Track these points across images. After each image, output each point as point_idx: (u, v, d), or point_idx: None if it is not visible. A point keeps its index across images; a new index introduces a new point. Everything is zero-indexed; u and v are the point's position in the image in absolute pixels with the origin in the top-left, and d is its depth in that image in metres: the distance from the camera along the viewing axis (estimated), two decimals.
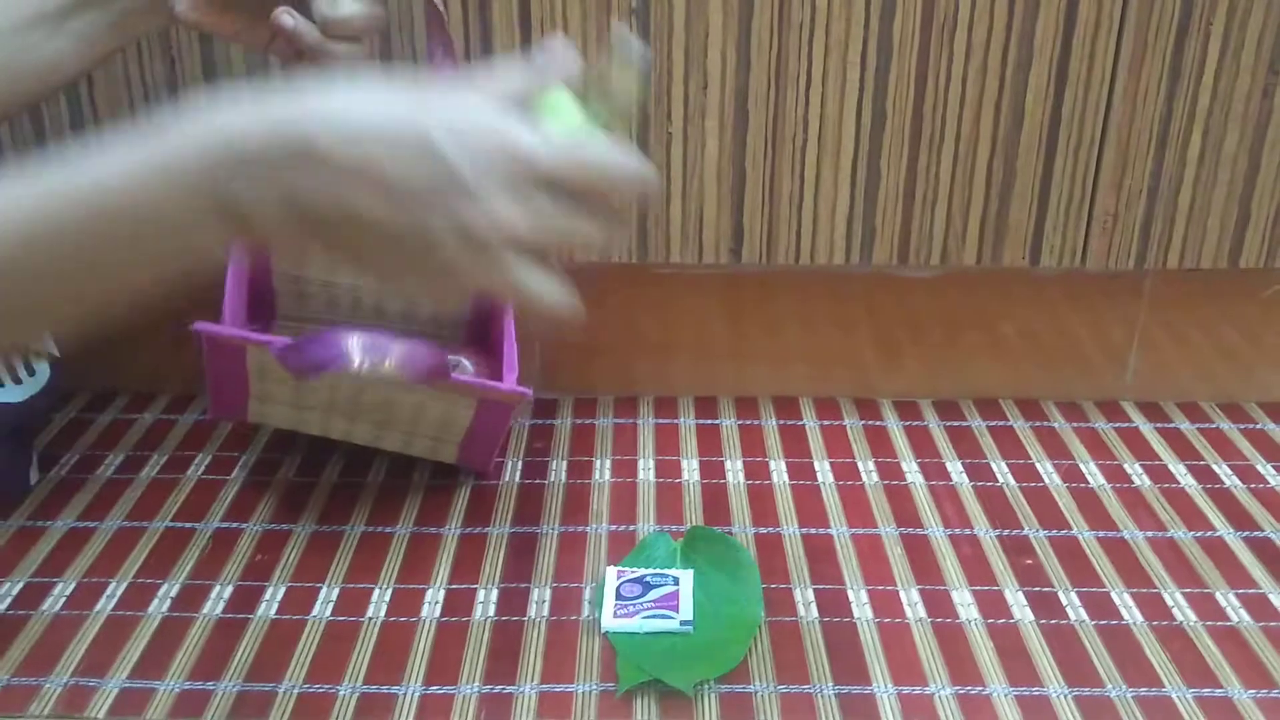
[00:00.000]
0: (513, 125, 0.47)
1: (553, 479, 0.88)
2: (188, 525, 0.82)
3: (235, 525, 0.82)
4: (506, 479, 0.88)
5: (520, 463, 0.90)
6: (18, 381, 0.86)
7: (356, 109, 0.47)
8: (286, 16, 0.68)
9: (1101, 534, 0.82)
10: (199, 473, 0.89)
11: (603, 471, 0.89)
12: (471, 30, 0.84)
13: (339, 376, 0.70)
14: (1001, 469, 0.90)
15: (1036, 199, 0.89)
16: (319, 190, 0.46)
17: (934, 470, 0.90)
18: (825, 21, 0.84)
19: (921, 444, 0.94)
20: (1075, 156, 0.87)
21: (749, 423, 0.97)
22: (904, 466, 0.90)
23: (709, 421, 0.97)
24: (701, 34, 0.84)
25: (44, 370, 0.88)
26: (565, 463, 0.91)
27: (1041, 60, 0.85)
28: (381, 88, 0.48)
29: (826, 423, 0.97)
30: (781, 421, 0.97)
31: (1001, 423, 0.97)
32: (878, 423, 0.97)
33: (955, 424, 0.97)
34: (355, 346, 0.68)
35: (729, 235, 0.90)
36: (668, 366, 0.99)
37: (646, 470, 0.90)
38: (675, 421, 0.97)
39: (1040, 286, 0.95)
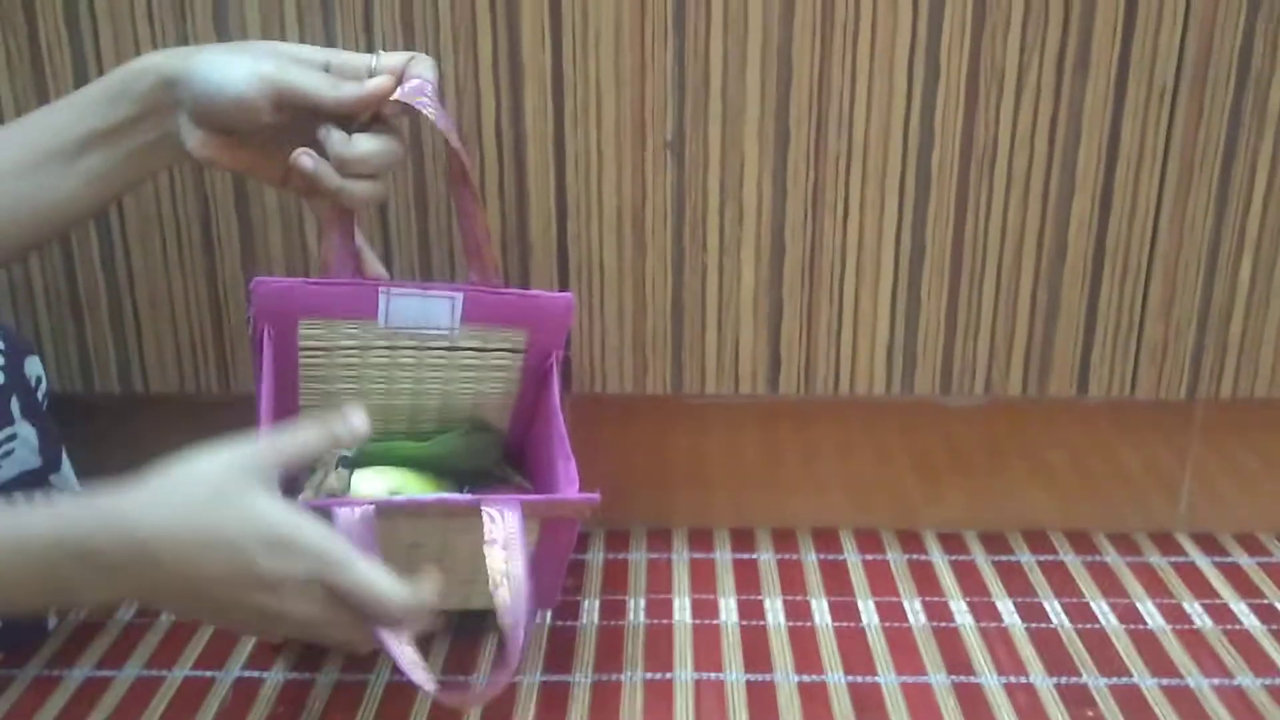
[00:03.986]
0: (314, 540, 0.60)
1: (585, 621, 0.85)
2: (207, 674, 0.79)
3: (256, 675, 0.79)
4: (535, 622, 0.85)
5: None
6: None
7: (187, 521, 0.58)
8: (305, 159, 0.67)
9: (1165, 681, 0.78)
10: None
11: (637, 612, 0.86)
12: (506, 173, 0.84)
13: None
14: (1055, 608, 0.86)
15: (1083, 329, 0.86)
16: (149, 586, 0.59)
17: (984, 610, 0.86)
18: (862, 151, 0.82)
19: (969, 580, 0.90)
20: (1122, 286, 0.85)
21: (788, 557, 0.93)
22: (952, 606, 0.87)
23: (746, 556, 0.94)
24: (737, 165, 0.83)
25: None
26: (598, 602, 0.87)
27: (1085, 189, 0.83)
28: (209, 490, 0.59)
29: (869, 557, 0.93)
30: (822, 556, 0.94)
31: (1051, 557, 0.93)
32: (922, 557, 0.93)
33: (1003, 558, 0.93)
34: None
35: (766, 365, 0.88)
36: (703, 498, 0.97)
37: (682, 610, 0.86)
38: (711, 556, 0.94)
39: (1088, 415, 0.92)
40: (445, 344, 0.77)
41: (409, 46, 0.81)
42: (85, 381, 0.89)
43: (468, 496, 0.70)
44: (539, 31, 0.80)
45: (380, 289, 0.74)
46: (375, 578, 0.60)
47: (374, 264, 0.78)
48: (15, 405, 0.76)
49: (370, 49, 0.80)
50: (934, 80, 0.81)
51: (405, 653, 0.62)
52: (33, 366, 0.81)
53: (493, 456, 0.85)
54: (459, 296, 0.75)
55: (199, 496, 0.59)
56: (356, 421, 0.64)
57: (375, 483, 0.77)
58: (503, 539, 0.65)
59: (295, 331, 0.74)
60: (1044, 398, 0.88)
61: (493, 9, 0.80)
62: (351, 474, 0.77)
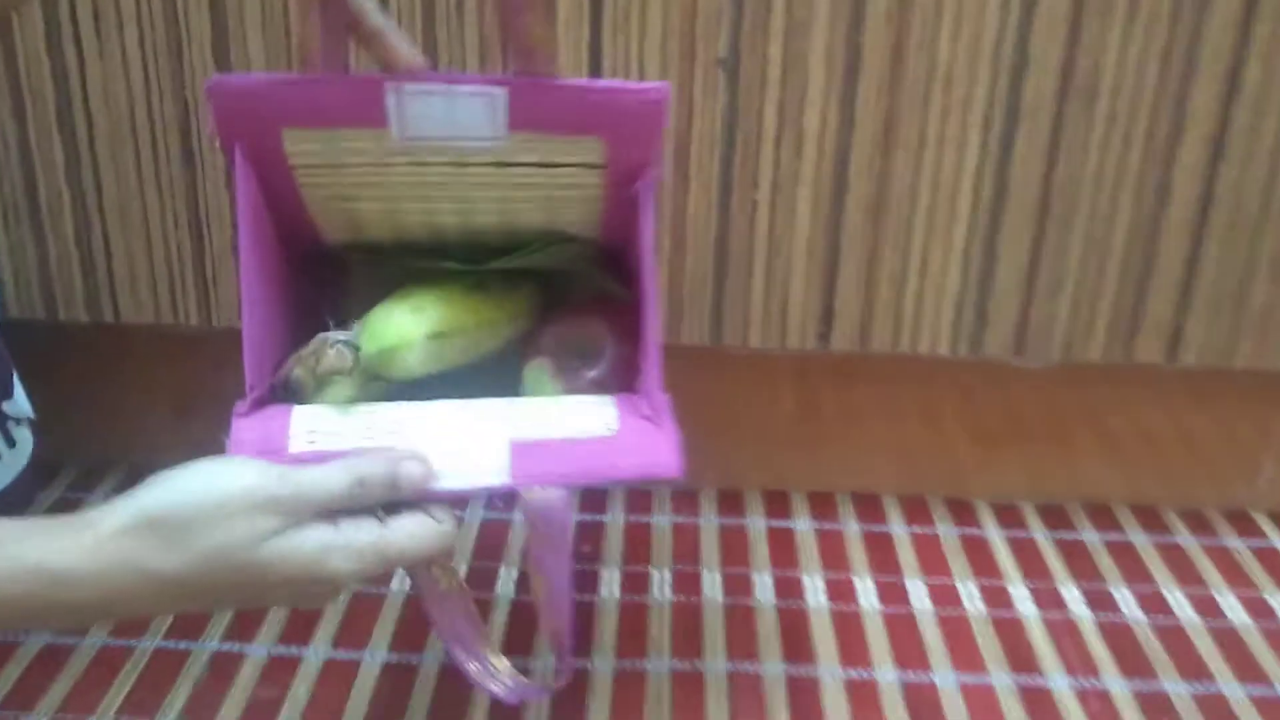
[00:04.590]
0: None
1: (604, 595, 0.76)
2: (183, 645, 0.70)
3: (237, 648, 0.70)
4: None
5: None
6: None
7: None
8: None
9: (1254, 690, 0.69)
10: None
11: (662, 587, 0.77)
12: None
13: None
14: (1125, 597, 0.78)
15: (1180, 288, 0.76)
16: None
17: (1047, 597, 0.77)
18: (945, 77, 0.71)
19: (1029, 561, 0.81)
20: (1229, 242, 0.75)
21: (827, 526, 0.85)
22: (1012, 591, 0.78)
23: (781, 523, 0.85)
24: (799, 89, 0.72)
25: (25, 440, 0.76)
26: (619, 573, 0.79)
27: (1196, 130, 0.72)
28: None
29: (917, 529, 0.85)
30: (865, 526, 0.85)
31: (1117, 535, 0.85)
32: (975, 531, 0.85)
33: (1065, 535, 0.84)
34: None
35: (817, 317, 0.78)
36: (732, 456, 0.87)
37: (713, 587, 0.77)
38: (742, 522, 0.85)
39: (1161, 380, 0.83)
40: (490, 159, 0.55)
41: None
42: (48, 308, 0.79)
43: (506, 485, 0.53)
44: None
45: (387, 85, 0.52)
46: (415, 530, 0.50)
47: (402, 49, 0.55)
48: None
49: None
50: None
51: (473, 670, 0.55)
52: None
53: (579, 259, 0.65)
54: (501, 92, 0.53)
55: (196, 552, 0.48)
56: (414, 468, 0.50)
57: (408, 322, 0.56)
58: (550, 537, 0.56)
59: (280, 149, 0.54)
60: (1129, 363, 0.78)
61: None
62: (360, 340, 0.55)
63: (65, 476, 0.87)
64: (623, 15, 0.71)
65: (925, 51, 0.71)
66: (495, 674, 0.57)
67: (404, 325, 0.55)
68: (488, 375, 0.61)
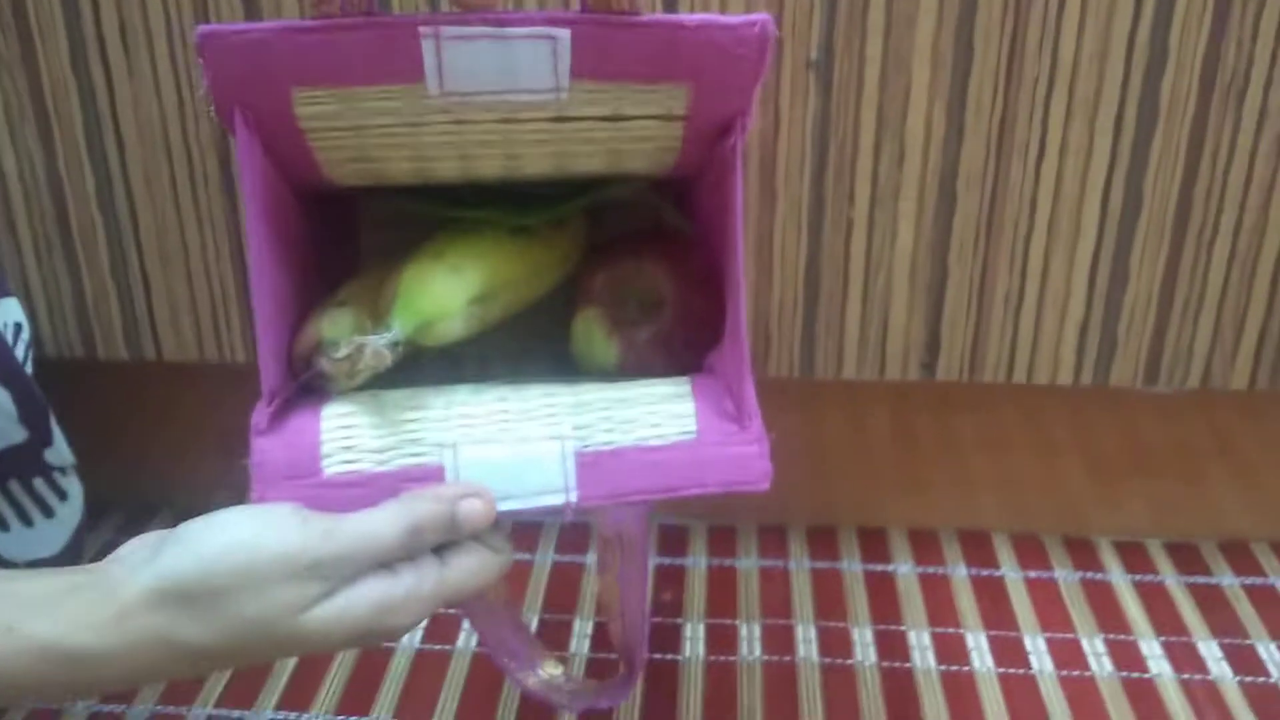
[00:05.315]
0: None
1: (689, 654, 0.69)
2: (234, 713, 0.65)
3: (237, 714, 0.64)
4: None
5: (646, 624, 0.71)
6: (48, 513, 0.69)
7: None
8: None
9: None
10: None
11: (752, 644, 0.70)
12: None
13: None
14: (1273, 656, 0.69)
15: None
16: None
17: (1184, 655, 0.69)
18: (1069, 75, 0.63)
19: (1160, 610, 0.73)
20: None
21: (932, 570, 0.77)
22: (1143, 648, 0.70)
23: (880, 567, 0.77)
24: (901, 93, 0.64)
25: (75, 491, 0.71)
26: (703, 627, 0.72)
27: None
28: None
29: (1032, 574, 0.76)
30: (974, 570, 0.77)
31: (1258, 579, 0.76)
32: (1097, 575, 0.76)
33: (1199, 580, 0.76)
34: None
35: (921, 345, 0.70)
36: (823, 489, 0.80)
37: (808, 645, 0.70)
38: (837, 565, 0.77)
39: None
40: (548, 114, 0.46)
41: None
42: (86, 345, 0.73)
43: (572, 505, 0.46)
44: None
45: (423, 28, 0.43)
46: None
47: None
48: None
49: None
50: None
51: (531, 683, 0.52)
52: (9, 310, 0.66)
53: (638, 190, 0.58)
54: (564, 35, 0.44)
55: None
56: (475, 507, 0.45)
57: (447, 288, 0.48)
58: (624, 549, 0.49)
59: (289, 111, 0.45)
60: (1275, 391, 0.69)
61: None
62: (399, 334, 0.47)
63: (113, 519, 0.82)
64: (700, 10, 0.63)
65: (1047, 46, 0.62)
66: (552, 682, 0.51)
67: (443, 292, 0.48)
68: (532, 318, 0.54)
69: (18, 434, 0.65)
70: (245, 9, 0.64)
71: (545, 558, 0.78)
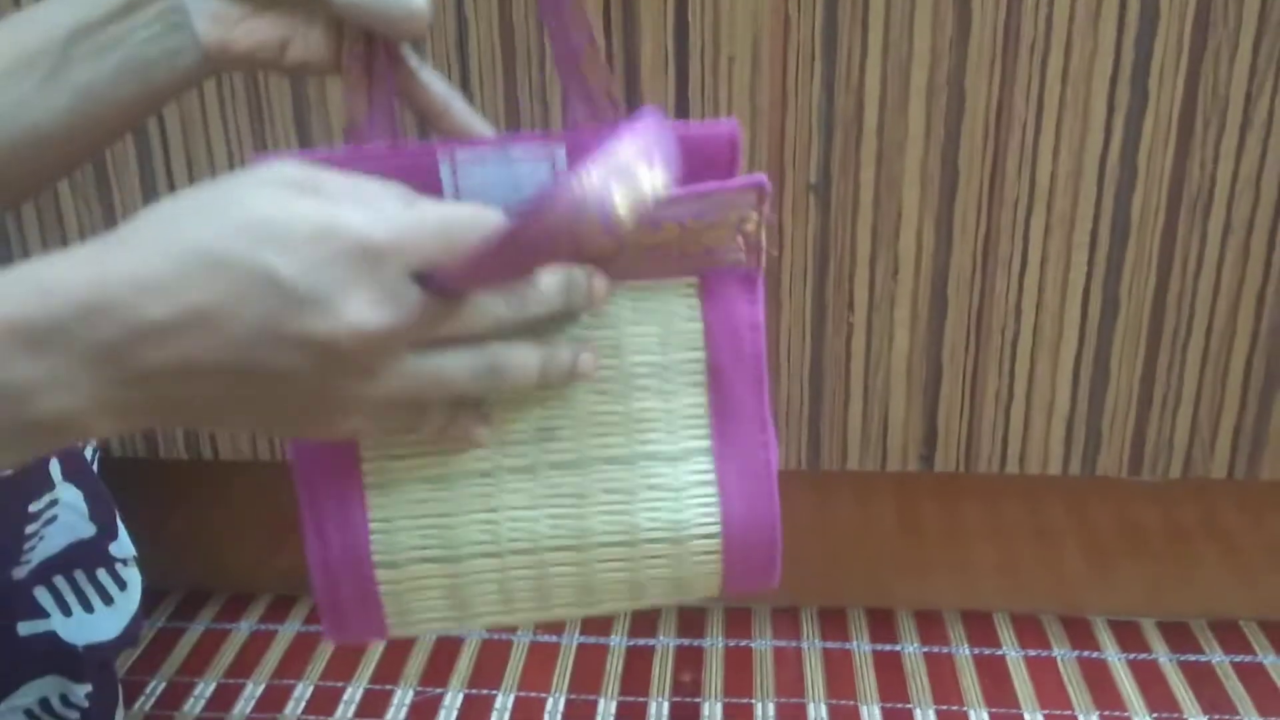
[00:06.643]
0: (339, 210, 0.38)
1: None
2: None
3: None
4: None
5: (667, 703, 0.76)
6: (109, 601, 0.75)
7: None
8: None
9: None
10: (298, 710, 0.76)
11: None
12: None
13: None
14: None
15: None
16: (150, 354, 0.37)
17: None
18: (1047, 195, 0.69)
19: (1155, 691, 0.77)
20: None
21: (936, 649, 0.81)
22: None
23: (887, 647, 0.82)
24: (894, 212, 0.70)
25: (134, 581, 0.76)
26: (720, 706, 0.76)
27: None
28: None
29: (1031, 653, 0.81)
30: (976, 649, 0.81)
31: (1248, 657, 0.80)
32: (1094, 654, 0.80)
33: (1191, 658, 0.80)
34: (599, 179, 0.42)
35: (919, 440, 0.75)
36: (834, 574, 0.85)
37: None
38: (847, 646, 0.82)
39: None
40: None
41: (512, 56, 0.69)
42: (149, 448, 0.80)
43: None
44: (660, 52, 0.68)
45: (440, 154, 0.48)
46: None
47: (465, 117, 0.51)
48: (55, 466, 0.66)
49: None
50: (1140, 110, 0.67)
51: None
52: None
53: None
54: (559, 150, 0.49)
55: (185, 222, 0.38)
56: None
57: None
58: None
59: None
60: (1253, 479, 0.74)
61: (606, 14, 0.68)
62: None
63: (167, 605, 0.88)
64: None
65: (1026, 168, 0.68)
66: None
67: None
68: None
69: (87, 530, 0.70)
70: (299, 138, 0.72)
71: None
